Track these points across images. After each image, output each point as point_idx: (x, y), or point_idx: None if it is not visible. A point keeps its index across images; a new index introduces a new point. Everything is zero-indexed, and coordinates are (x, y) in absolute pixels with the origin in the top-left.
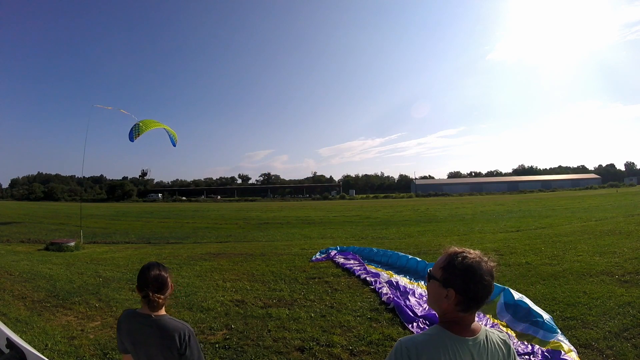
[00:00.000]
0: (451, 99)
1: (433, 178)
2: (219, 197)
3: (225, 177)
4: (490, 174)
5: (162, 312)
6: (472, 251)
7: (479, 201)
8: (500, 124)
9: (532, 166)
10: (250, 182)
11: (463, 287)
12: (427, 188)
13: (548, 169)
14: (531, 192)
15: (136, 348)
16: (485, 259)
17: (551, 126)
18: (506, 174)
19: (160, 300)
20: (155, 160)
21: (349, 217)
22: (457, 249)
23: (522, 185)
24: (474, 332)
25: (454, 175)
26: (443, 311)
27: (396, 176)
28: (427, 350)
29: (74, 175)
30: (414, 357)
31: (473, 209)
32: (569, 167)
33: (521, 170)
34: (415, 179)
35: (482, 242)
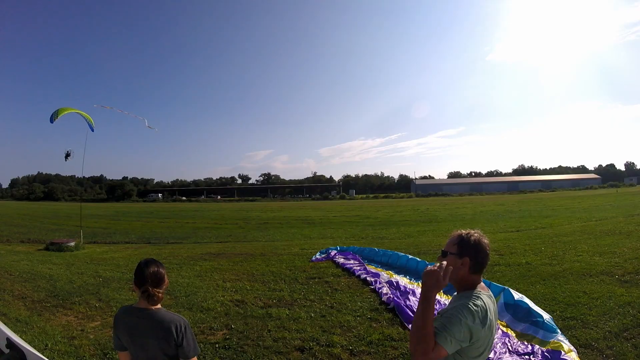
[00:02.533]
0: (451, 99)
1: (433, 178)
2: (219, 197)
3: (226, 177)
4: (490, 174)
5: (158, 305)
6: (472, 231)
7: (479, 201)
8: (501, 124)
9: (532, 166)
10: (250, 182)
11: (474, 255)
12: (427, 188)
13: (548, 169)
14: (531, 192)
15: (134, 341)
16: (483, 235)
17: (551, 126)
18: (506, 174)
19: (160, 294)
20: (156, 160)
21: (349, 217)
22: (462, 230)
23: (522, 186)
24: (485, 289)
25: (454, 175)
26: (460, 278)
27: (396, 176)
28: (484, 301)
29: (74, 175)
30: (482, 309)
31: (473, 209)
32: (569, 167)
33: (521, 170)
34: (415, 179)
35: None
